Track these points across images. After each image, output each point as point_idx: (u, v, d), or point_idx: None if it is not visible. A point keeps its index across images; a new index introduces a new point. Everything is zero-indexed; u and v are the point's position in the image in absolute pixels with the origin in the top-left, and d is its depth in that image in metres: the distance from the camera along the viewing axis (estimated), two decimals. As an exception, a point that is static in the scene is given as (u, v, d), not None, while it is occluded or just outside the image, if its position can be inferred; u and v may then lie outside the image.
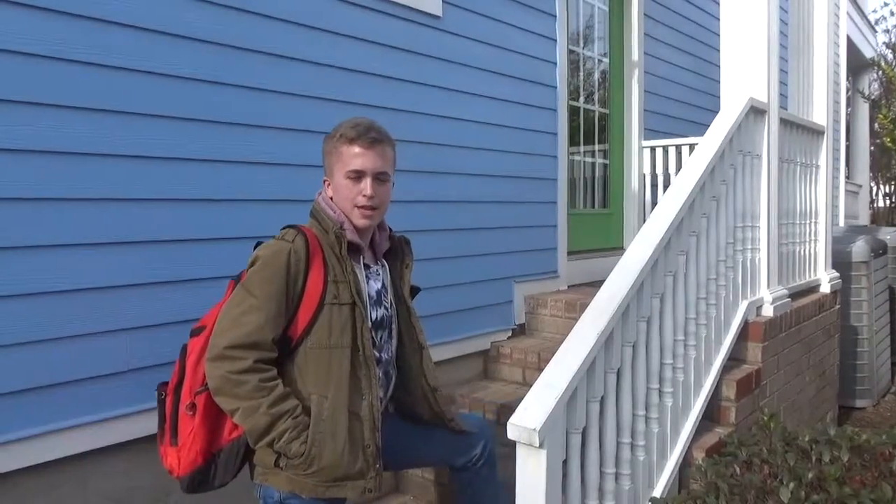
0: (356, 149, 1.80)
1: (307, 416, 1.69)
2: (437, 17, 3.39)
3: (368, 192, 1.80)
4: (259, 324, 1.67)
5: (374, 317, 1.87)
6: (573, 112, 4.62)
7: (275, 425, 1.65)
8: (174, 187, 2.38)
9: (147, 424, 2.30)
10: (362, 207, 1.82)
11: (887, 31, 15.02)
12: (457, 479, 2.11)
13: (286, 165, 2.72)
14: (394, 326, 1.98)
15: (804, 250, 3.81)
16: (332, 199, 1.88)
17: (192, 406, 1.73)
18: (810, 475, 1.86)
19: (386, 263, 2.00)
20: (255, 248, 1.82)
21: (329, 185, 1.89)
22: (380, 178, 1.83)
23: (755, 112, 3.13)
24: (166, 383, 1.83)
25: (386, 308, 1.94)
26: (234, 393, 1.64)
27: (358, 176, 1.80)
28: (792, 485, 1.79)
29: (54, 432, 2.10)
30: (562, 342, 2.03)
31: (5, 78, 1.99)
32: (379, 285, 1.93)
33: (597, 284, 2.34)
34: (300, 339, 1.74)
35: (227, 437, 1.76)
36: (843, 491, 1.74)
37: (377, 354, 1.87)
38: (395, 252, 2.02)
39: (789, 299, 3.38)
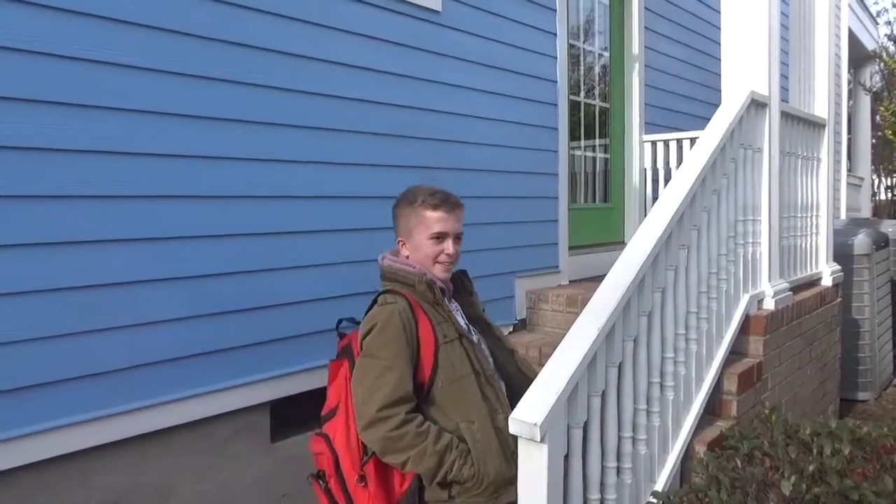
0: (439, 214, 2.04)
1: (465, 444, 1.87)
2: (436, 12, 3.38)
3: (450, 250, 2.06)
4: (396, 381, 1.85)
5: None
6: (574, 106, 4.61)
7: (444, 460, 1.83)
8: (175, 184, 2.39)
9: (149, 421, 2.32)
10: (443, 263, 2.06)
11: (889, 22, 15.00)
12: None
13: (278, 161, 2.73)
14: (484, 346, 2.16)
15: (805, 243, 3.81)
16: (408, 257, 2.08)
17: (362, 478, 1.89)
18: (812, 468, 1.86)
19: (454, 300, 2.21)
20: (337, 326, 2.18)
21: (404, 244, 2.10)
22: (458, 237, 2.09)
23: (756, 105, 3.12)
24: (318, 472, 2.00)
25: (475, 334, 2.15)
26: (398, 448, 1.82)
27: (441, 237, 2.04)
28: (793, 478, 1.79)
29: (56, 429, 2.10)
30: (563, 337, 2.03)
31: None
32: (463, 318, 2.14)
33: (598, 279, 2.34)
34: (430, 382, 1.93)
35: (400, 490, 1.91)
36: (845, 483, 1.74)
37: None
38: (458, 288, 2.23)
39: (791, 293, 3.38)
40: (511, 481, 1.90)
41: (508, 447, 1.93)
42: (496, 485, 1.89)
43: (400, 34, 3.19)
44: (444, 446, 1.83)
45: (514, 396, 2.13)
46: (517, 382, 2.15)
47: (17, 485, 2.06)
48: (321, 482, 1.97)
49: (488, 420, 1.92)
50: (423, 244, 2.04)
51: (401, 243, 2.11)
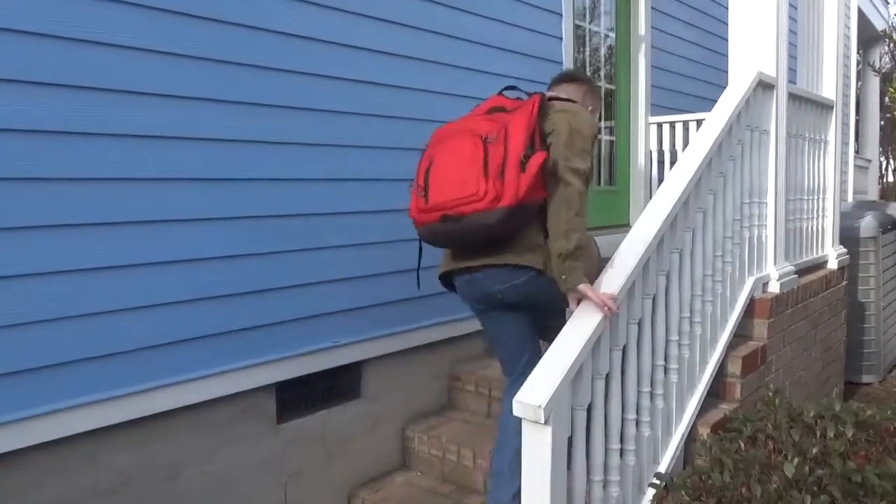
0: None
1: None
2: (440, -7, 3.35)
3: None
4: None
5: None
6: (579, 88, 4.56)
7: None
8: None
9: (155, 402, 2.34)
10: None
11: (899, 2, 14.73)
12: None
13: (288, 144, 2.72)
14: None
15: (812, 226, 3.79)
16: None
17: (527, 157, 1.97)
18: (815, 450, 1.86)
19: None
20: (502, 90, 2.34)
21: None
22: None
23: (763, 86, 3.09)
24: (485, 135, 2.03)
25: None
26: (581, 207, 2.04)
27: None
28: (796, 460, 1.79)
29: (63, 410, 2.12)
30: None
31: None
32: None
33: (603, 261, 2.33)
34: None
35: (539, 195, 2.03)
36: (848, 466, 1.75)
37: None
38: None
39: (796, 276, 3.37)
40: None
41: None
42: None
43: (406, 15, 3.17)
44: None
45: None
46: None
47: (29, 465, 2.09)
48: (486, 138, 2.01)
49: None
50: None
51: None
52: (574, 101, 2.31)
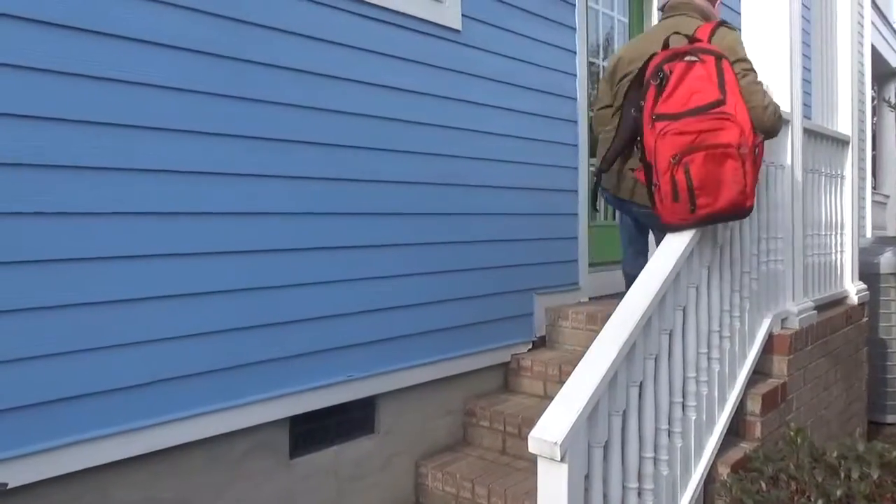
0: None
1: None
2: (456, 31, 3.40)
3: None
4: None
5: None
6: (593, 124, 4.60)
7: None
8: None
9: (166, 437, 2.33)
10: None
11: (913, 39, 14.74)
12: None
13: (302, 179, 2.76)
14: None
15: (830, 262, 3.75)
16: None
17: (757, 146, 2.34)
18: (839, 492, 1.82)
19: None
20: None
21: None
22: None
23: (778, 122, 3.09)
24: (724, 143, 2.26)
25: None
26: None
27: None
28: (820, 501, 1.75)
29: (76, 444, 2.12)
30: (583, 355, 2.01)
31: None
32: None
33: (618, 296, 2.33)
34: None
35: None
36: (874, 509, 1.70)
37: None
38: None
39: (815, 311, 3.32)
40: None
41: None
42: None
43: (420, 53, 3.22)
44: None
45: None
46: None
47: (40, 499, 2.07)
48: (739, 149, 2.24)
49: None
50: None
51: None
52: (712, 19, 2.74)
